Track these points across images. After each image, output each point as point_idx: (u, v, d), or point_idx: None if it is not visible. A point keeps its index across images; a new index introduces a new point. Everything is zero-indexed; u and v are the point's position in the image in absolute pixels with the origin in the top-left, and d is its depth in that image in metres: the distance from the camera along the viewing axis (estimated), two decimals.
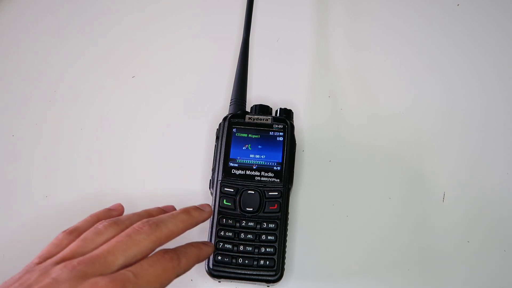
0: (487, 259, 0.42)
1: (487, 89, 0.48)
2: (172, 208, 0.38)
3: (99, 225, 0.32)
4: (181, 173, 0.46)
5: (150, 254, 0.32)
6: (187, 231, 0.35)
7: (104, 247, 0.30)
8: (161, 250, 0.32)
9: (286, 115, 0.43)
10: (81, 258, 0.29)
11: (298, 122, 0.46)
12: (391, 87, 0.49)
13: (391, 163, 0.45)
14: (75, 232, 0.33)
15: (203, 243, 0.36)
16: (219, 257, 0.38)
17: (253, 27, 0.47)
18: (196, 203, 0.43)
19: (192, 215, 0.35)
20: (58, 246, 0.32)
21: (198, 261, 0.34)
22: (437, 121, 0.47)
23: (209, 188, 0.41)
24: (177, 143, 0.47)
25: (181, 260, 0.32)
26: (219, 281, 0.39)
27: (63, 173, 0.47)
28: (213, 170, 0.40)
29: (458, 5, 0.52)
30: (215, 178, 0.40)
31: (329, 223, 0.43)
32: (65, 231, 0.33)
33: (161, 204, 0.39)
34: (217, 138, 0.41)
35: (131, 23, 0.54)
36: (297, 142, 0.42)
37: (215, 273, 0.38)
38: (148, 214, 0.35)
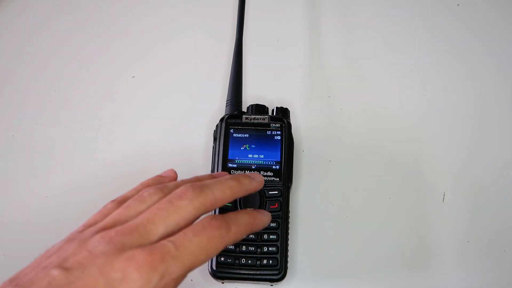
0: (487, 259, 0.42)
1: (487, 89, 0.48)
2: (225, 175, 0.34)
3: (144, 192, 0.30)
4: (180, 175, 0.46)
5: (196, 221, 0.29)
6: None
7: (144, 215, 0.28)
8: (208, 216, 0.29)
9: (283, 113, 0.43)
10: (118, 228, 0.27)
11: (298, 122, 0.46)
12: (392, 87, 0.49)
13: (391, 163, 0.45)
14: (123, 202, 0.30)
15: (258, 211, 0.33)
16: (222, 258, 0.37)
17: (252, 27, 0.47)
18: None
19: (241, 182, 0.32)
20: (104, 215, 0.30)
21: (251, 231, 0.31)
22: (438, 121, 0.47)
23: None
24: (175, 145, 0.47)
25: (231, 228, 0.28)
26: (222, 283, 0.39)
27: (63, 173, 0.47)
28: (212, 171, 0.40)
29: (458, 5, 0.52)
30: None
31: (329, 223, 0.43)
32: (114, 200, 0.31)
33: None
34: (215, 139, 0.41)
35: (130, 23, 0.54)
36: (297, 142, 0.42)
37: (218, 274, 0.37)
38: (197, 180, 0.32)
